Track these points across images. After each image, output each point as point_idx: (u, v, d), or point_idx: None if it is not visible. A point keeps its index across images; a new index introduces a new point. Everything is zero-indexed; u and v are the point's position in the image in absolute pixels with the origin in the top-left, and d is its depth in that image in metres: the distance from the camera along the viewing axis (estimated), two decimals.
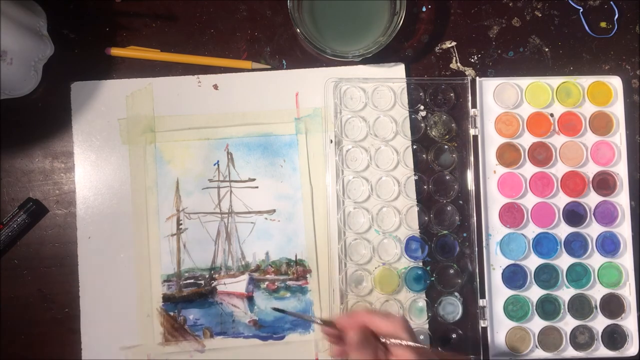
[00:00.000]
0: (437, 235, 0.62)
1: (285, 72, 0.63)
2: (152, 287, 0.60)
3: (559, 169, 0.63)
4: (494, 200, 0.62)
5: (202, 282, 0.61)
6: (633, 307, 0.62)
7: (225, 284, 0.61)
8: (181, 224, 0.61)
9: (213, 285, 0.61)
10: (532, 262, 0.62)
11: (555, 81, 0.63)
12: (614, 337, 0.62)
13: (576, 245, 0.62)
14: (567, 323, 0.62)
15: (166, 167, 0.61)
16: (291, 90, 0.62)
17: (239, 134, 0.62)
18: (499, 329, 0.61)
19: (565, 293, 0.62)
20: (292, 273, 0.61)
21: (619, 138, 0.63)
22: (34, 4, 0.60)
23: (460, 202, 0.62)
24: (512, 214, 0.62)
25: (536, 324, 0.61)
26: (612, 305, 0.62)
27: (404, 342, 0.48)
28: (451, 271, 0.61)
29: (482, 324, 0.61)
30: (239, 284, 0.61)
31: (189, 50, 0.62)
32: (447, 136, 0.63)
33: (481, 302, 0.61)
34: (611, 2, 0.65)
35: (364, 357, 0.47)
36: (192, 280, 0.61)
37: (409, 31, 0.64)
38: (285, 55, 0.63)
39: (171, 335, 0.60)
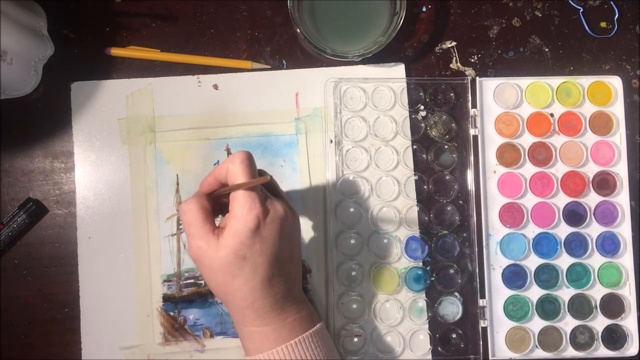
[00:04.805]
0: (437, 235, 0.62)
1: (285, 72, 0.63)
2: (152, 287, 0.60)
3: (559, 169, 0.63)
4: (494, 200, 0.62)
5: (202, 282, 0.61)
6: (633, 307, 0.62)
7: None
8: (181, 224, 0.61)
9: None
10: (532, 262, 0.62)
11: (555, 81, 0.63)
12: (614, 337, 0.62)
13: (576, 245, 0.62)
14: (567, 323, 0.62)
15: (166, 167, 0.61)
16: (291, 90, 0.62)
17: (238, 134, 0.62)
18: (499, 329, 0.61)
19: (565, 293, 0.62)
20: None
21: (619, 138, 0.63)
22: (34, 4, 0.60)
23: (460, 202, 0.62)
24: (512, 214, 0.62)
25: (536, 324, 0.61)
26: (612, 305, 0.62)
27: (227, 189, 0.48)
28: (451, 271, 0.61)
29: (482, 324, 0.61)
30: None
31: (189, 50, 0.62)
32: (447, 136, 0.63)
33: (481, 302, 0.61)
34: (611, 2, 0.65)
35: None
36: (192, 280, 0.61)
37: (409, 31, 0.64)
38: (285, 55, 0.63)
39: (171, 335, 0.60)
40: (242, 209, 0.46)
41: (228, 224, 0.47)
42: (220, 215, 0.53)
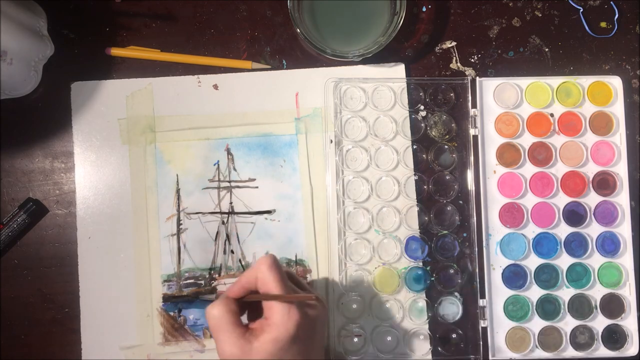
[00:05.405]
0: (437, 235, 0.62)
1: (285, 72, 0.63)
2: (152, 287, 0.60)
3: (559, 169, 0.63)
4: (494, 200, 0.62)
5: (202, 282, 0.61)
6: (633, 307, 0.62)
7: (225, 284, 0.61)
8: (181, 224, 0.61)
9: (213, 285, 0.61)
10: (532, 262, 0.62)
11: (555, 81, 0.63)
12: (614, 337, 0.62)
13: (576, 245, 0.62)
14: (567, 323, 0.62)
15: (166, 167, 0.61)
16: (291, 90, 0.62)
17: (239, 134, 0.62)
18: (499, 329, 0.61)
19: (565, 293, 0.62)
20: None
21: (619, 138, 0.63)
22: (34, 4, 0.60)
23: (460, 202, 0.62)
24: (512, 214, 0.62)
25: (536, 324, 0.61)
26: (612, 305, 0.62)
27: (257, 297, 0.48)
28: (451, 271, 0.61)
29: (482, 324, 0.61)
30: None
31: (189, 50, 0.62)
32: (447, 136, 0.63)
33: (481, 302, 0.61)
34: (611, 2, 0.65)
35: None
36: (192, 280, 0.61)
37: (409, 31, 0.64)
38: (285, 55, 0.63)
39: (171, 335, 0.60)
40: (282, 316, 0.46)
41: (265, 330, 0.46)
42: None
